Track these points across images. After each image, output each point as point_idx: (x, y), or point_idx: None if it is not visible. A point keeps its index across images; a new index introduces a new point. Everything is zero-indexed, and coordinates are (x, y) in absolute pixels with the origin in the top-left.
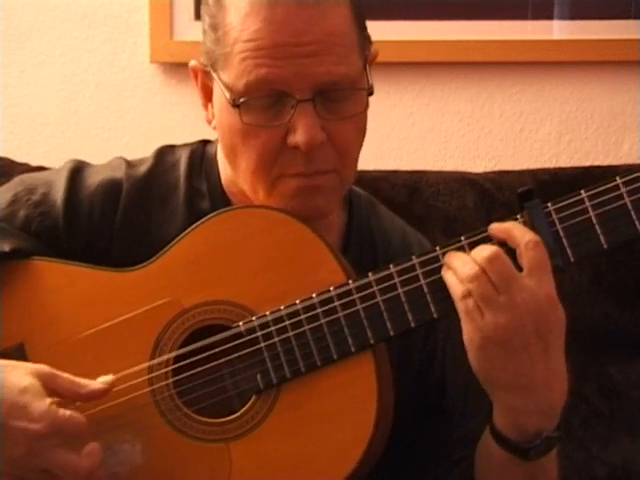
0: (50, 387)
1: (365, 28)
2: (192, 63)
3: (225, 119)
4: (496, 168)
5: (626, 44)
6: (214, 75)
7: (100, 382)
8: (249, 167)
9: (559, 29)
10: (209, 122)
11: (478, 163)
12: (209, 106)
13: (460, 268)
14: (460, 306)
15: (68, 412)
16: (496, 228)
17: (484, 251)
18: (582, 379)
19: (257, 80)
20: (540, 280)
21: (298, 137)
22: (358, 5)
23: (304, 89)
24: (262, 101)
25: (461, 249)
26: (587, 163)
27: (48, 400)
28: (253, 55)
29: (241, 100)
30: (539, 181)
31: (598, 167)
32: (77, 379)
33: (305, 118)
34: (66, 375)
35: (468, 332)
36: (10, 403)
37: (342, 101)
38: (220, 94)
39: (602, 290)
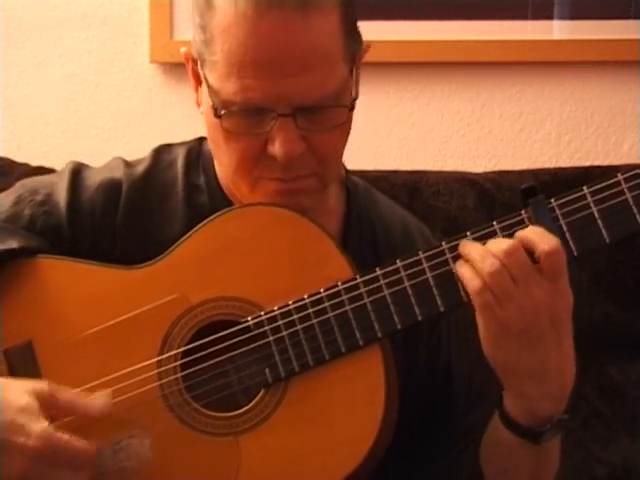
0: (49, 406)
1: (355, 31)
2: (184, 50)
3: (209, 116)
4: (496, 168)
5: (626, 44)
6: (201, 70)
7: (101, 395)
8: (230, 165)
9: (559, 29)
10: (198, 105)
11: (478, 163)
12: (199, 90)
13: (479, 261)
14: (477, 300)
15: (66, 436)
16: (522, 234)
17: (502, 244)
18: (582, 379)
19: (239, 98)
20: (557, 281)
21: (277, 150)
22: (348, 9)
23: (285, 106)
24: (243, 112)
25: None
26: (587, 163)
27: (46, 422)
28: (236, 70)
29: (222, 112)
30: (539, 181)
31: (598, 167)
32: (77, 398)
33: (284, 132)
34: (66, 395)
35: (485, 325)
36: (9, 420)
37: (324, 114)
38: (205, 91)
39: (602, 290)
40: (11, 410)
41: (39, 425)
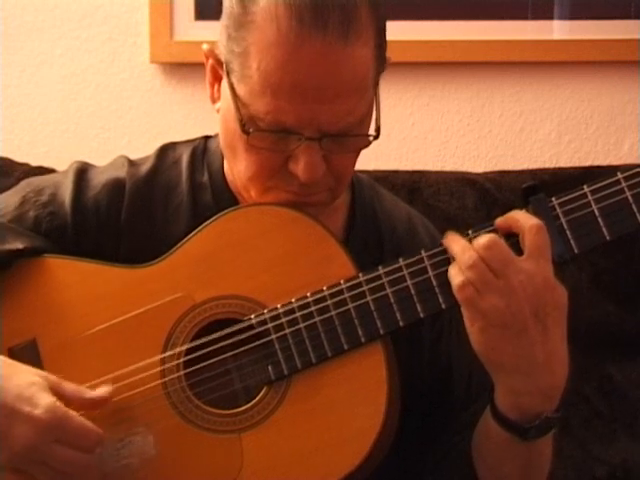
0: (56, 390)
1: (384, 56)
2: (206, 47)
3: (230, 121)
4: (496, 168)
5: (626, 44)
6: (226, 76)
7: (102, 390)
8: (246, 173)
9: (559, 29)
10: (213, 101)
11: (478, 163)
12: (215, 86)
13: (459, 255)
14: (459, 294)
15: (72, 412)
16: (502, 218)
17: (481, 239)
18: (582, 379)
19: (270, 118)
20: (538, 264)
21: (300, 171)
22: (382, 36)
23: (313, 130)
24: (271, 131)
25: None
26: (587, 163)
27: (54, 397)
28: (271, 91)
29: (250, 130)
30: (539, 181)
31: (598, 167)
32: (81, 388)
33: (309, 155)
34: (71, 384)
35: (468, 318)
36: (18, 392)
37: (348, 139)
38: (229, 98)
39: (602, 290)
40: (21, 383)
41: (48, 398)
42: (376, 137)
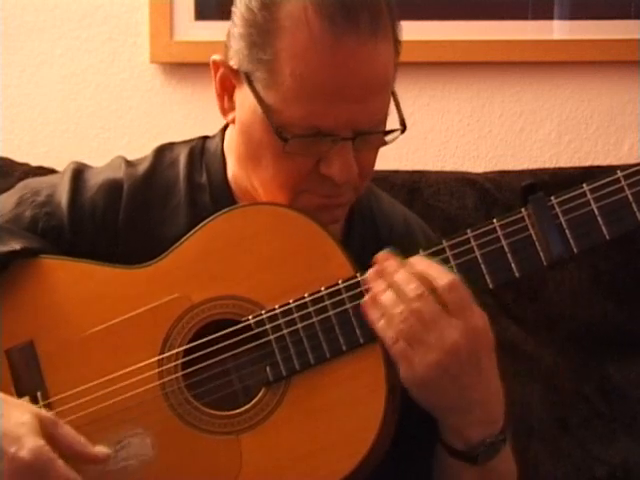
0: (49, 432)
1: (399, 51)
2: (215, 58)
3: (256, 131)
4: (496, 168)
5: (626, 44)
6: (249, 86)
7: (102, 450)
8: (274, 180)
9: (559, 29)
10: (224, 112)
11: (478, 163)
12: (225, 98)
13: (389, 307)
14: (392, 350)
15: (58, 459)
16: (419, 271)
17: (409, 291)
18: (582, 379)
19: (306, 122)
20: (466, 317)
21: (335, 172)
22: (397, 34)
23: (348, 131)
24: (307, 135)
25: (466, 242)
26: (587, 163)
27: (42, 440)
28: (306, 95)
29: (288, 136)
30: (539, 181)
31: (598, 167)
32: (77, 435)
33: (344, 156)
34: (68, 427)
35: (403, 372)
36: (7, 431)
37: (377, 136)
38: (253, 106)
39: (602, 290)
40: (11, 422)
41: (35, 440)
42: (403, 131)
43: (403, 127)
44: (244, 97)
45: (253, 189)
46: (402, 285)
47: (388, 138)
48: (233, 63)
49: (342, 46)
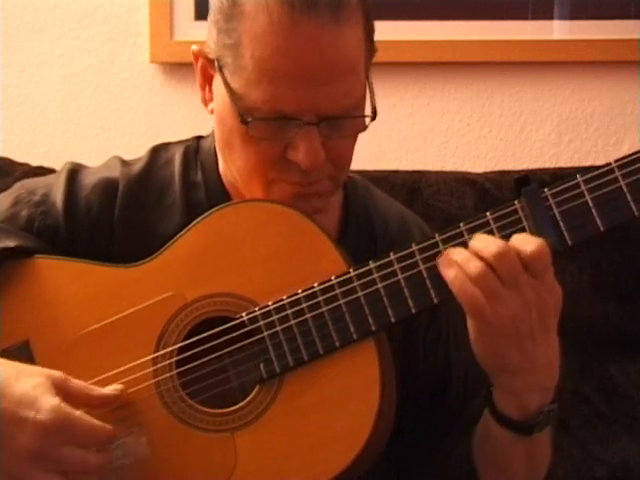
0: (62, 389)
1: (373, 39)
2: (194, 48)
3: (226, 118)
4: (496, 168)
5: (626, 44)
6: (219, 72)
7: (111, 389)
8: (246, 168)
9: (559, 29)
10: (205, 103)
11: (478, 163)
12: (206, 88)
13: (465, 265)
14: (467, 307)
15: (78, 412)
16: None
17: (491, 246)
18: (582, 379)
19: (268, 106)
20: (543, 278)
21: (300, 157)
22: (370, 19)
23: (312, 115)
24: (269, 119)
25: (459, 235)
26: (587, 163)
27: (58, 398)
28: (267, 78)
29: (249, 119)
30: (539, 181)
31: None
32: (89, 385)
33: (309, 141)
34: (79, 382)
35: (476, 328)
36: (21, 395)
37: (346, 123)
38: (223, 93)
39: (602, 290)
40: (23, 386)
41: (51, 399)
42: (373, 118)
43: (374, 114)
44: (218, 85)
45: (235, 180)
46: (480, 243)
47: (358, 125)
48: (208, 52)
49: (300, 29)
